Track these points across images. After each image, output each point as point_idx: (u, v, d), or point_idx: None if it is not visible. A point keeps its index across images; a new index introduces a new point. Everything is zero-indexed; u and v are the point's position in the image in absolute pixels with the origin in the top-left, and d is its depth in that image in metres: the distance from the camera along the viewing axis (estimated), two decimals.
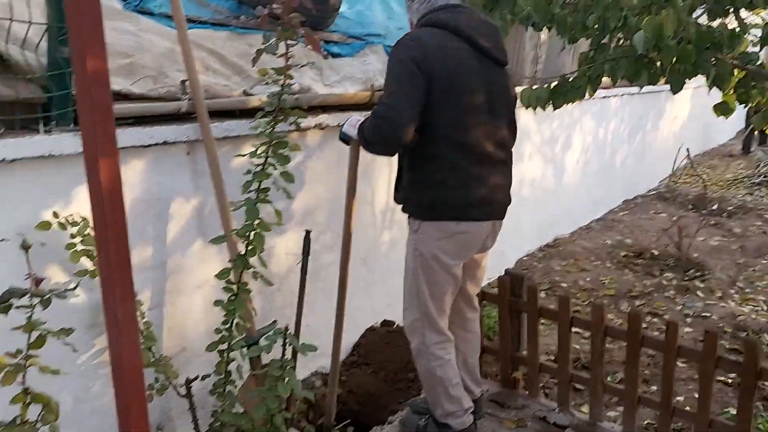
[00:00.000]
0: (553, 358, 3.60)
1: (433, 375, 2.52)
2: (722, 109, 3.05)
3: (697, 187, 8.51)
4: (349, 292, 3.39)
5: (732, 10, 3.44)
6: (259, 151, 2.10)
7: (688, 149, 8.57)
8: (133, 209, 2.27)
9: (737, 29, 2.79)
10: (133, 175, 2.26)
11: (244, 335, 2.41)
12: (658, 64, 2.60)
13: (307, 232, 2.51)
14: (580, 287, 4.86)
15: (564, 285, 4.89)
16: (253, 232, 2.16)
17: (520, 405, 2.85)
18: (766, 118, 3.04)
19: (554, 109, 2.73)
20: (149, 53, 2.47)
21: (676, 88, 2.64)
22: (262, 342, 2.31)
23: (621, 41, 2.92)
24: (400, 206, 2.55)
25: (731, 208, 7.57)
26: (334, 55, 3.33)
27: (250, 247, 2.21)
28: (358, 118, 2.46)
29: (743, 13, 3.56)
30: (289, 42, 1.94)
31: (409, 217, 2.53)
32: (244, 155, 2.15)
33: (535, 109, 2.70)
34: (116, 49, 2.38)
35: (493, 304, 2.97)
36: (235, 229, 2.24)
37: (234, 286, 2.27)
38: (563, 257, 5.48)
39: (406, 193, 2.49)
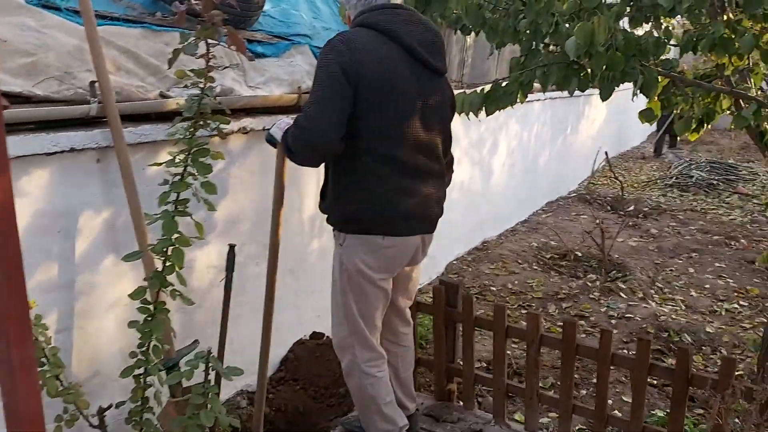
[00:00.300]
0: (485, 365, 3.57)
1: (366, 393, 2.42)
2: (647, 116, 3.10)
3: (614, 188, 8.79)
4: (277, 305, 3.23)
5: (653, 18, 3.51)
6: (177, 160, 1.93)
7: (606, 152, 8.84)
8: (36, 224, 2.06)
9: (662, 37, 2.83)
10: (35, 186, 2.04)
11: (162, 358, 2.23)
12: (589, 70, 2.60)
13: (231, 247, 2.35)
14: (509, 290, 4.88)
15: (493, 288, 4.90)
16: (171, 248, 1.99)
17: (455, 418, 2.78)
18: (689, 125, 3.10)
19: (487, 115, 2.69)
20: (54, 52, 2.26)
21: (605, 95, 2.65)
22: (183, 366, 2.14)
23: (551, 47, 2.91)
24: (325, 216, 2.44)
25: (647, 209, 7.85)
26: (258, 56, 3.16)
27: (167, 264, 2.03)
28: (287, 120, 2.32)
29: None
30: (210, 42, 1.78)
31: (333, 229, 2.42)
32: (160, 164, 1.98)
33: (468, 115, 2.64)
34: (17, 47, 2.16)
35: (428, 314, 2.89)
36: (151, 244, 2.06)
37: (150, 306, 2.09)
38: (492, 260, 5.50)
39: (330, 204, 2.37)
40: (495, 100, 2.63)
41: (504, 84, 2.67)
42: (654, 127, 15.49)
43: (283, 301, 3.31)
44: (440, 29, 3.24)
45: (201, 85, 1.88)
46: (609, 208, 7.87)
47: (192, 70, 1.86)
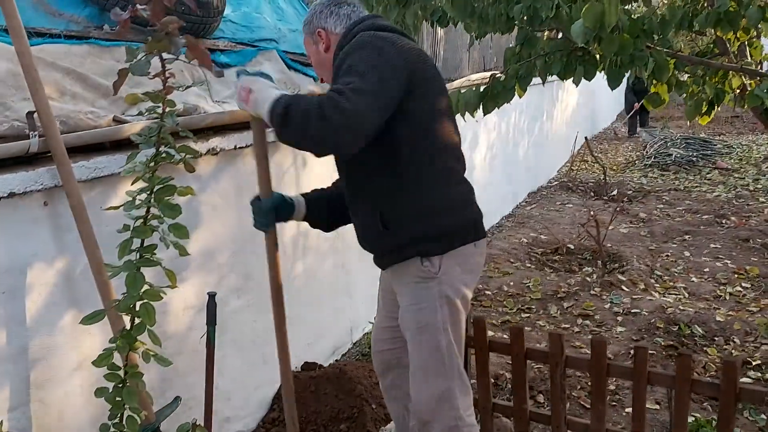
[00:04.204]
0: (492, 380, 3.29)
1: None
2: (655, 101, 2.85)
3: (594, 173, 8.61)
4: (262, 339, 2.94)
5: None
6: (137, 201, 1.61)
7: (586, 137, 8.65)
8: None
9: (665, 15, 2.58)
10: None
11: (140, 425, 1.90)
12: (597, 56, 2.34)
13: (211, 296, 2.03)
14: (505, 293, 4.62)
15: (489, 292, 4.63)
16: (139, 303, 1.67)
17: None
18: (699, 108, 2.86)
19: (484, 114, 2.41)
20: None
21: (614, 83, 2.39)
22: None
23: (546, 34, 2.65)
24: (392, 254, 2.01)
25: (630, 192, 7.67)
26: (223, 66, 2.84)
27: (136, 322, 1.71)
28: (265, 80, 1.78)
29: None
30: (165, 57, 1.45)
31: (417, 260, 1.95)
32: (117, 207, 1.65)
33: (464, 115, 2.35)
34: None
35: None
36: (115, 300, 1.73)
37: (120, 372, 1.77)
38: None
39: (408, 227, 1.94)
40: (493, 97, 2.36)
41: (502, 78, 2.39)
42: (622, 105, 15.48)
43: (269, 333, 2.99)
44: (418, 22, 2.98)
45: (159, 111, 1.55)
46: (593, 194, 7.68)
47: (146, 93, 1.53)
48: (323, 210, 2.22)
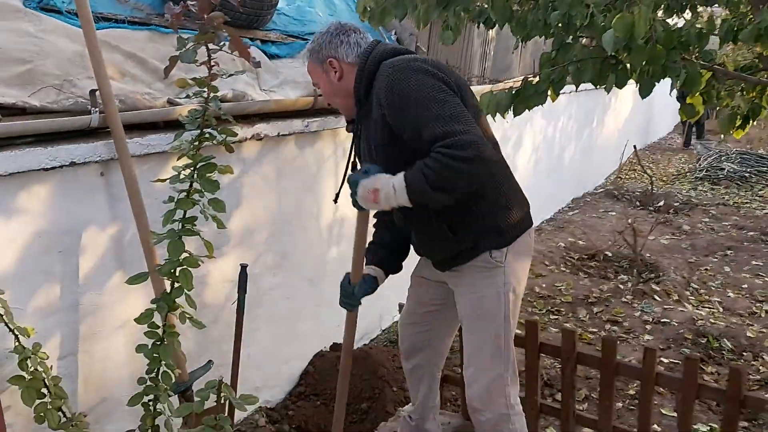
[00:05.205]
0: None
1: None
2: (689, 112, 2.89)
3: (642, 182, 8.52)
4: (295, 316, 3.11)
5: (689, 6, 3.29)
6: (182, 176, 1.78)
7: (635, 146, 8.56)
8: (35, 244, 1.92)
9: (704, 28, 2.62)
10: (33, 204, 1.91)
11: (173, 382, 2.09)
12: (628, 66, 2.40)
13: (243, 267, 2.19)
14: (536, 294, 4.68)
15: None
16: (178, 269, 1.84)
17: None
18: (733, 121, 2.89)
19: (515, 116, 2.50)
20: (53, 58, 2.12)
21: (645, 92, 2.45)
22: (196, 389, 2.01)
23: (585, 41, 2.72)
24: (462, 256, 2.01)
25: (677, 204, 7.58)
26: (272, 57, 3.01)
27: (176, 286, 1.89)
28: (380, 174, 1.86)
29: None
30: (211, 47, 1.61)
31: (484, 254, 1.99)
32: (164, 180, 1.83)
33: (494, 116, 2.45)
34: (11, 55, 2.02)
35: None
36: (158, 265, 1.91)
37: (159, 330, 1.95)
38: None
39: (477, 229, 1.97)
40: (524, 100, 2.45)
41: (534, 81, 2.48)
42: (679, 117, 15.06)
43: (302, 311, 3.17)
44: (461, 24, 3.07)
45: (204, 95, 1.72)
46: (638, 203, 7.60)
47: (194, 79, 1.70)
48: (393, 261, 2.27)
